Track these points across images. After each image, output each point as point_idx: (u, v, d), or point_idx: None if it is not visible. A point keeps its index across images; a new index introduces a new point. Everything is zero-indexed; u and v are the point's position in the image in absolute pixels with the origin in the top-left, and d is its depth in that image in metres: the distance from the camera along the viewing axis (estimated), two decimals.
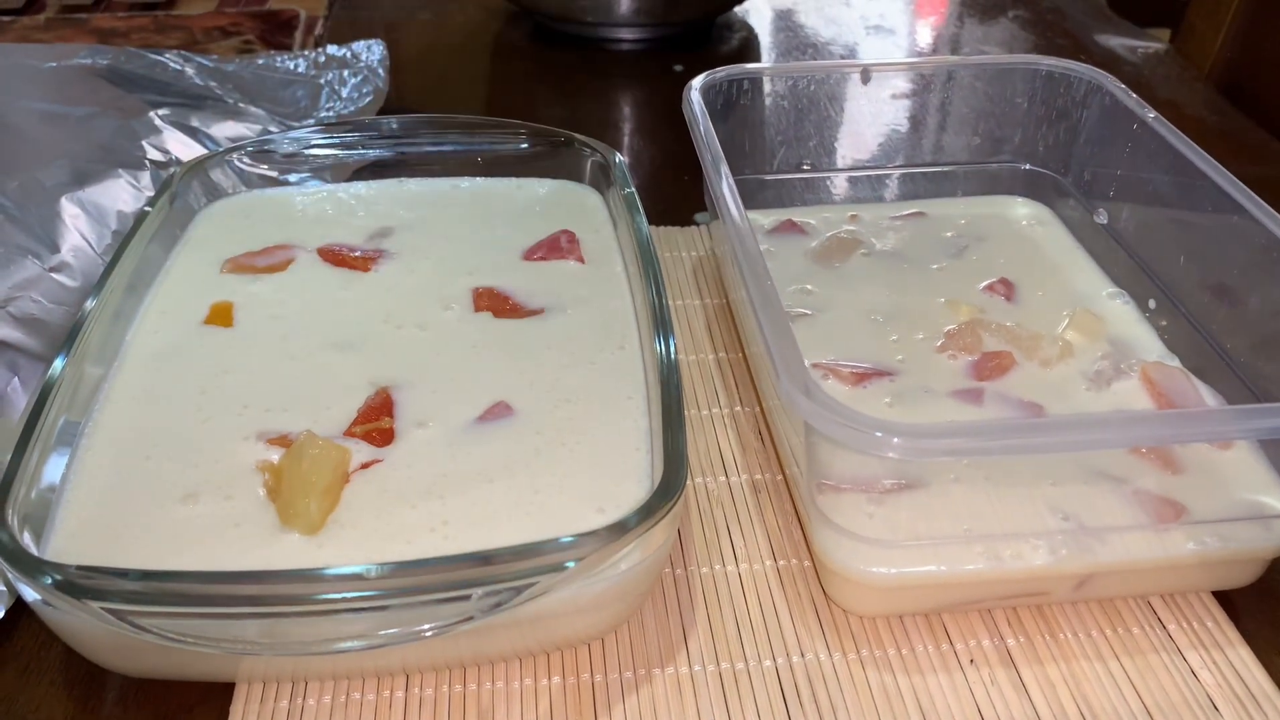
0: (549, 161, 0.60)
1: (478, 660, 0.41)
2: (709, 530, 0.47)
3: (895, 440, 0.36)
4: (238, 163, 0.58)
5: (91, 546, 0.38)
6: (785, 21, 1.05)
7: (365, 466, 0.42)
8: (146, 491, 0.40)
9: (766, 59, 0.98)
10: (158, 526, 0.39)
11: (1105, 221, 0.58)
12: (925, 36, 1.04)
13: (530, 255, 0.54)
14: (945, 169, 0.65)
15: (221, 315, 0.50)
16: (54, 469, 0.40)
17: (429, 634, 0.35)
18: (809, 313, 0.54)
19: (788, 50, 1.00)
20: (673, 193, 0.73)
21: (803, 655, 0.42)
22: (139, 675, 0.40)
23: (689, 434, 0.51)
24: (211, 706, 0.40)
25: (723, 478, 0.50)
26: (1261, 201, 0.47)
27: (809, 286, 0.56)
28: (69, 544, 0.38)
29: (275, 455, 0.42)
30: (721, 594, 0.44)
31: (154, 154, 0.63)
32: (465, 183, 0.60)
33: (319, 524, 0.39)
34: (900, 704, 0.40)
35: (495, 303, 0.51)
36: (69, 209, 0.56)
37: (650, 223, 0.52)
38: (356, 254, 0.54)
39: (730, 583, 0.45)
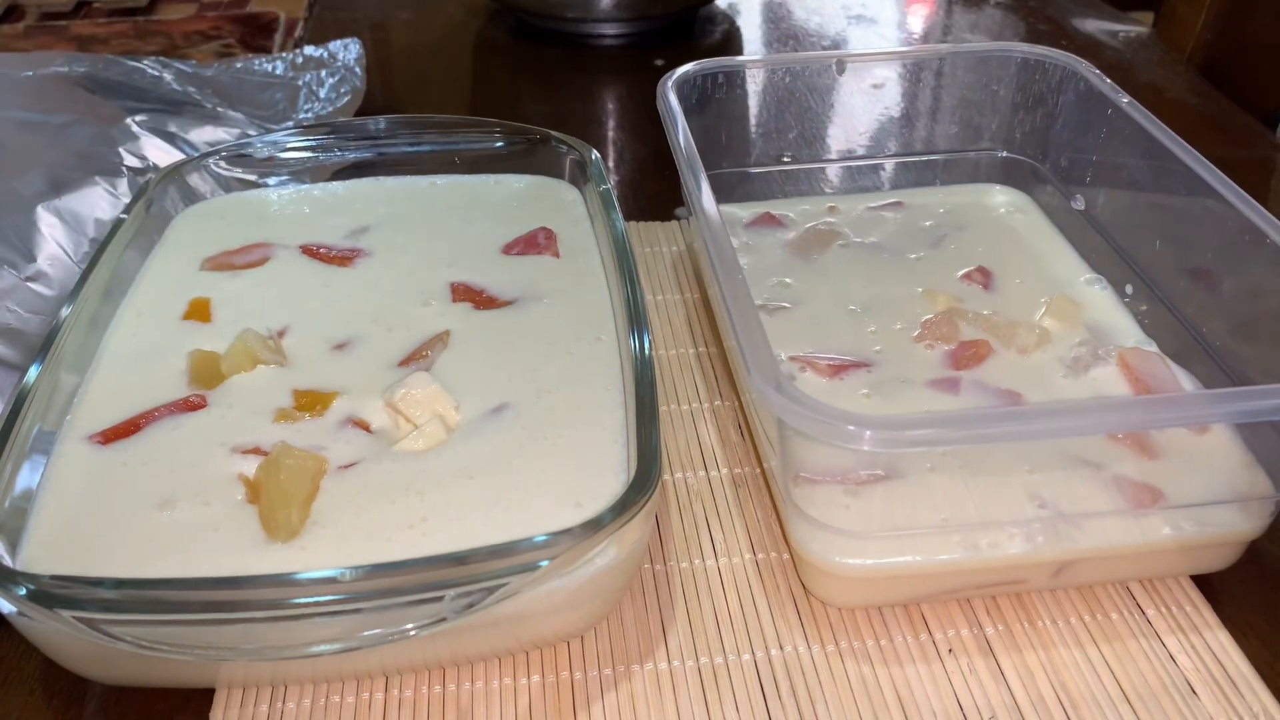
0: (526, 159, 0.60)
1: (456, 660, 0.41)
2: (688, 525, 0.47)
3: (868, 433, 0.35)
4: (214, 167, 0.58)
5: (67, 554, 0.38)
6: (768, 13, 1.05)
7: (345, 468, 0.42)
8: (123, 497, 0.40)
9: (749, 51, 0.98)
10: (135, 533, 0.39)
11: (1082, 207, 0.58)
12: (908, 25, 1.04)
13: (508, 250, 0.54)
14: (924, 158, 0.65)
15: (199, 311, 0.50)
16: (28, 477, 0.40)
17: (403, 635, 0.35)
18: (787, 306, 0.54)
19: (770, 42, 1.00)
20: (654, 188, 0.73)
21: (782, 648, 0.42)
22: (118, 683, 0.40)
23: (669, 429, 0.52)
24: (191, 713, 0.40)
25: (702, 472, 0.50)
26: (1234, 184, 0.47)
27: (787, 280, 0.56)
28: (43, 552, 0.38)
29: (254, 463, 0.42)
30: (701, 588, 0.44)
31: (131, 161, 0.63)
32: (443, 180, 0.60)
33: (299, 530, 0.39)
34: (879, 695, 0.40)
35: (471, 296, 0.51)
36: (46, 218, 0.56)
37: (631, 218, 0.52)
38: (334, 252, 0.54)
39: (710, 577, 0.45)
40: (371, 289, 0.52)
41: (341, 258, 0.53)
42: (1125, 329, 0.52)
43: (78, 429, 0.43)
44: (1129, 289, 0.54)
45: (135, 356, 0.47)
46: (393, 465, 0.42)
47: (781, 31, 1.01)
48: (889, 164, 0.65)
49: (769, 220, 0.60)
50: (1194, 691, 0.40)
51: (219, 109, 0.70)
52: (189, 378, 0.46)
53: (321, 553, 0.38)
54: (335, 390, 0.45)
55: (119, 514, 0.40)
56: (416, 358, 0.47)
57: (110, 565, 0.38)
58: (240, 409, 0.44)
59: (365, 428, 0.44)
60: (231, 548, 0.39)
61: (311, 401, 0.45)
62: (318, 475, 0.41)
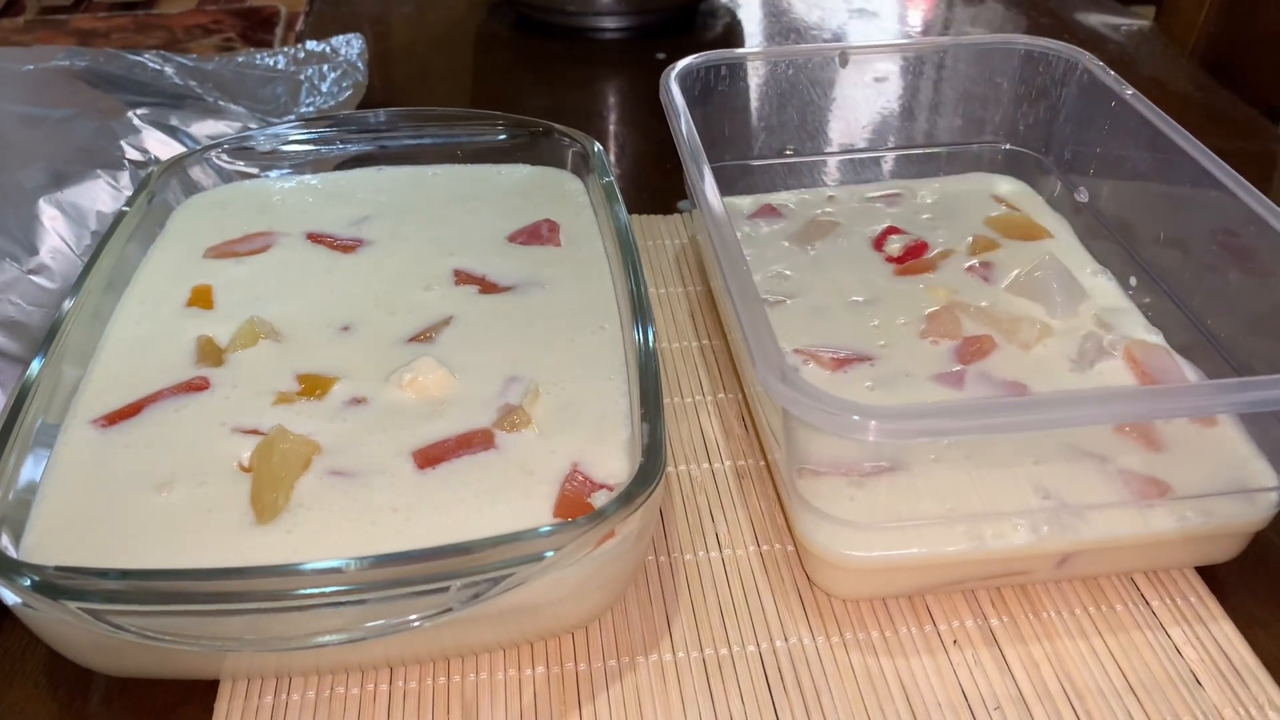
0: (529, 152, 0.60)
1: (461, 652, 0.41)
2: (692, 517, 0.47)
3: (873, 423, 0.35)
4: (216, 160, 0.58)
5: (65, 540, 0.38)
6: (768, 7, 1.05)
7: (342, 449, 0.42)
8: (124, 480, 0.41)
9: (750, 45, 0.98)
10: (132, 516, 0.39)
11: (1086, 200, 0.58)
12: (909, 19, 1.04)
13: (512, 240, 0.54)
14: (927, 150, 0.64)
15: (202, 298, 0.50)
16: (32, 469, 0.40)
17: (408, 626, 0.35)
18: (788, 299, 0.53)
19: (772, 35, 1.00)
20: (656, 181, 0.73)
21: (786, 640, 0.42)
22: (123, 675, 0.40)
23: (672, 421, 0.52)
24: (196, 704, 0.40)
25: (706, 464, 0.50)
26: (1239, 176, 0.47)
27: (786, 271, 0.55)
28: (41, 540, 0.38)
29: (253, 443, 0.42)
30: (705, 580, 0.44)
31: (133, 154, 0.63)
32: (445, 170, 0.60)
33: (281, 509, 0.39)
34: (884, 686, 0.40)
35: (474, 281, 0.51)
36: (47, 211, 0.56)
37: (633, 211, 0.52)
38: (337, 240, 0.54)
39: (714, 569, 0.45)
40: (374, 274, 0.52)
41: (344, 245, 0.53)
42: (1130, 321, 0.52)
43: (81, 415, 0.43)
44: (1133, 281, 0.53)
45: (138, 343, 0.47)
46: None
47: (782, 25, 1.01)
48: (892, 156, 0.65)
49: (769, 211, 0.60)
50: (1199, 683, 0.40)
51: (220, 103, 0.70)
52: (197, 358, 0.46)
53: (309, 536, 0.38)
54: (337, 374, 0.46)
55: (119, 497, 0.40)
56: (420, 340, 0.47)
57: (104, 550, 0.38)
58: (243, 389, 0.45)
59: (364, 401, 0.44)
60: (218, 532, 0.39)
61: (313, 385, 0.45)
62: (310, 460, 0.41)
